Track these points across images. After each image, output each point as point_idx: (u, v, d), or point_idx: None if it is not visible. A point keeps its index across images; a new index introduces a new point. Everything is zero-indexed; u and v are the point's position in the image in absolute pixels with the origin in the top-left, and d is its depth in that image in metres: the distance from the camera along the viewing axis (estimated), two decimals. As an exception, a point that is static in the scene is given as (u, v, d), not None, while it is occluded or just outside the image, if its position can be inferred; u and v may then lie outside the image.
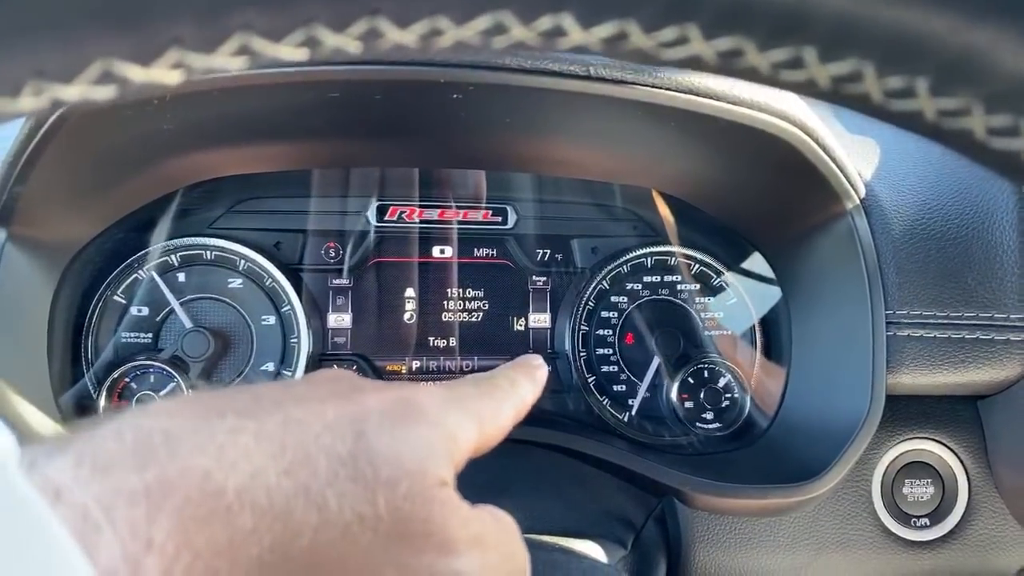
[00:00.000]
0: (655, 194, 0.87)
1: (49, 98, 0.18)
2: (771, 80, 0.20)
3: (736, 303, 0.90)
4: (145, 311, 0.82)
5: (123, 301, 0.81)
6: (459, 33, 0.19)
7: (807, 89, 0.21)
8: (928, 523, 0.77)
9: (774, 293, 0.86)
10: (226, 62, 0.19)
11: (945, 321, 0.72)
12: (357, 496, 0.28)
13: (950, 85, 0.19)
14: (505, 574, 0.35)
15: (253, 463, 0.27)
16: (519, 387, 0.41)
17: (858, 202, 0.73)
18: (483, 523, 0.34)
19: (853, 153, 0.76)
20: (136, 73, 0.18)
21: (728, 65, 0.20)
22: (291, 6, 0.18)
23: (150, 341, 0.82)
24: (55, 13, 0.16)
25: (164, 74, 0.19)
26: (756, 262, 0.87)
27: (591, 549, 0.70)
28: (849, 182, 0.71)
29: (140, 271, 0.82)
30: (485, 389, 0.39)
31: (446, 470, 0.33)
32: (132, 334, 0.81)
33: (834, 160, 0.69)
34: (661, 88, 0.60)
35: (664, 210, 0.89)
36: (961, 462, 0.78)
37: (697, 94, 0.62)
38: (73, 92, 0.18)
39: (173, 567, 0.24)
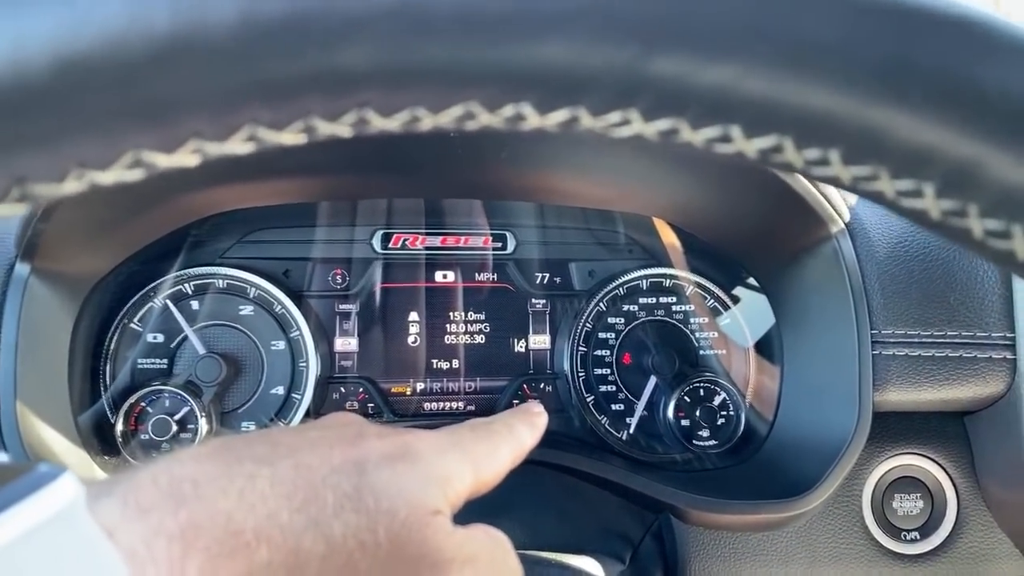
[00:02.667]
0: (653, 219, 0.90)
1: (88, 182, 0.22)
2: (707, 152, 0.24)
3: (730, 323, 0.92)
4: (160, 338, 0.85)
5: (139, 329, 0.85)
6: (435, 119, 0.22)
7: (738, 159, 0.24)
8: (918, 536, 0.80)
9: (767, 313, 0.89)
10: (236, 147, 0.22)
11: (929, 340, 0.75)
12: (360, 525, 0.32)
13: (858, 156, 0.22)
14: None
15: (268, 505, 0.31)
16: (516, 432, 0.44)
17: (843, 225, 0.76)
18: (476, 542, 0.37)
19: (838, 178, 0.79)
20: (161, 159, 0.22)
21: (667, 140, 0.23)
22: (292, 103, 0.21)
23: (165, 366, 0.85)
24: (97, 117, 0.20)
25: (184, 159, 0.22)
26: (749, 284, 0.90)
27: (589, 565, 0.73)
28: (833, 207, 0.74)
29: (155, 300, 0.85)
30: (481, 434, 0.42)
31: (442, 503, 0.36)
32: (148, 360, 0.85)
33: (817, 187, 0.72)
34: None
35: (661, 234, 0.92)
36: (949, 477, 0.81)
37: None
38: (109, 176, 0.22)
39: None
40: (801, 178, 0.71)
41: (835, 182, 0.24)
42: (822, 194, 0.73)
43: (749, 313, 0.92)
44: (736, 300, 0.93)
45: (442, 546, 0.34)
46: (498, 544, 0.39)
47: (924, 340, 0.75)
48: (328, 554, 0.31)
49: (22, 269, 0.71)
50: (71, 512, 0.26)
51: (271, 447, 0.35)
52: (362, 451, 0.36)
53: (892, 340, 0.75)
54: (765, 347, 0.90)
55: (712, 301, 0.93)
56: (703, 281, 0.93)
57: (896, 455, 0.81)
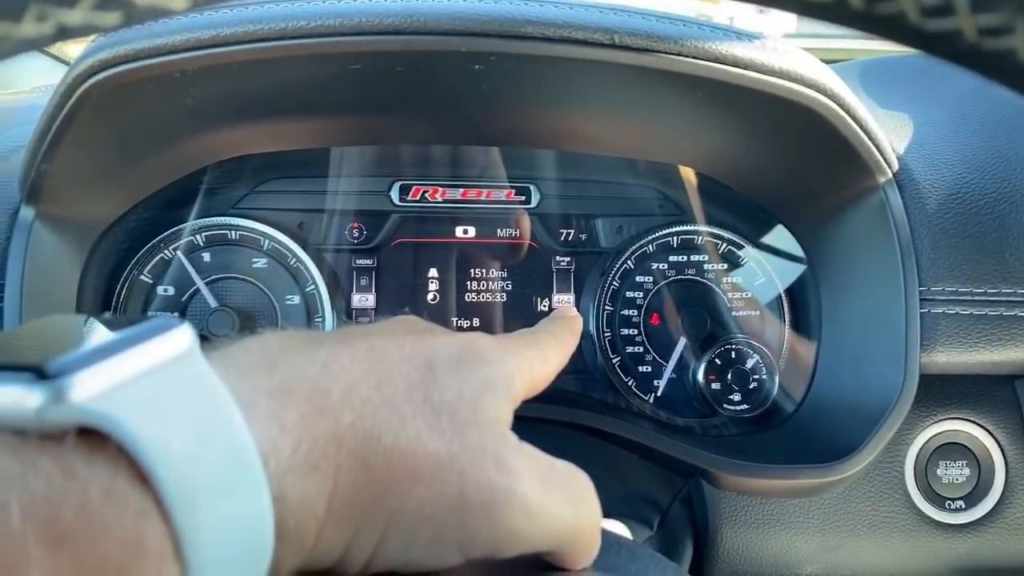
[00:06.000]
0: (682, 170, 0.85)
1: (54, 24, 0.18)
2: (800, 2, 0.19)
3: (764, 282, 0.88)
4: (171, 291, 0.82)
5: (149, 281, 0.82)
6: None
7: (837, 11, 0.20)
8: (963, 506, 0.75)
9: (805, 272, 0.84)
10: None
11: (982, 298, 0.70)
12: (426, 413, 0.35)
13: (992, -1, 0.18)
14: (571, 514, 0.37)
15: (349, 376, 0.34)
16: (560, 337, 0.47)
17: (891, 176, 0.71)
18: (538, 458, 0.37)
19: (886, 126, 0.74)
20: (140, -5, 0.18)
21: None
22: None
23: (176, 320, 0.82)
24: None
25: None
26: (783, 238, 0.85)
27: (618, 528, 0.70)
28: (882, 155, 0.69)
29: (165, 251, 0.82)
30: (531, 340, 0.45)
31: (502, 405, 0.38)
32: (158, 313, 0.82)
33: (866, 132, 0.67)
34: (686, 56, 0.59)
35: (692, 188, 0.87)
36: (998, 443, 0.76)
37: (724, 62, 0.60)
38: (77, 17, 0.18)
39: (299, 446, 0.31)
40: (850, 122, 0.66)
41: (952, 42, 0.20)
42: (871, 140, 0.68)
43: (785, 272, 0.87)
44: (771, 259, 0.88)
45: (501, 448, 0.35)
46: (577, 477, 0.39)
47: (977, 298, 0.70)
48: (401, 428, 0.33)
49: (27, 213, 0.68)
50: (191, 355, 0.29)
51: (346, 333, 0.39)
52: (430, 344, 0.38)
53: (942, 298, 0.70)
54: (802, 307, 0.86)
55: (746, 259, 0.89)
56: (736, 238, 0.89)
57: (941, 420, 0.77)
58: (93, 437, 0.26)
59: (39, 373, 0.26)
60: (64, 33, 0.19)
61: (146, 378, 0.28)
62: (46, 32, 0.18)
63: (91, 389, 0.26)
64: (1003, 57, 0.19)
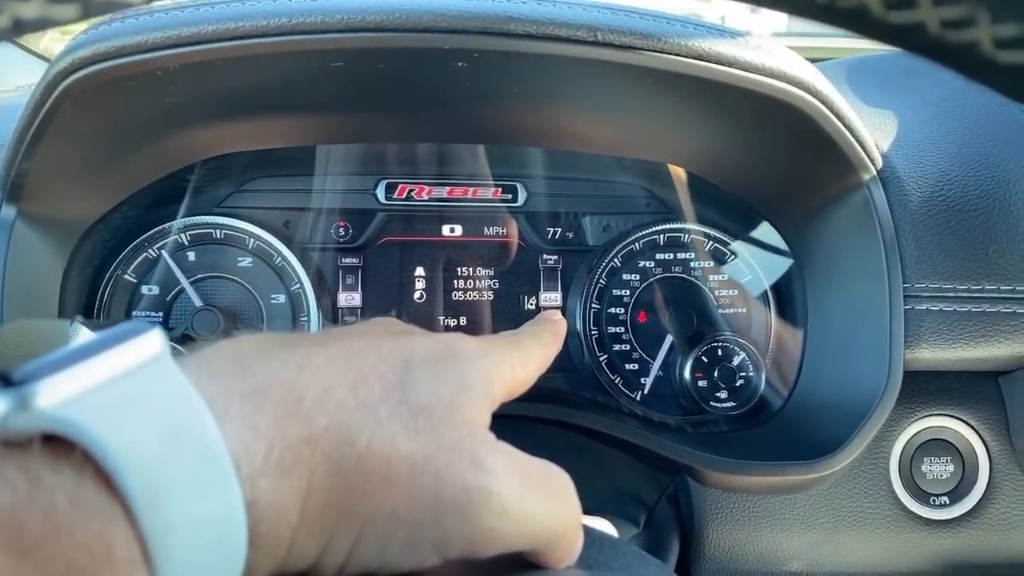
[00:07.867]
0: (669, 168, 0.85)
1: (9, 17, 0.18)
2: (764, -5, 0.19)
3: (750, 280, 0.88)
4: (156, 290, 0.82)
5: (133, 280, 0.81)
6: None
7: (802, 5, 0.19)
8: (947, 502, 0.76)
9: (788, 267, 0.85)
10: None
11: (965, 294, 0.70)
12: (402, 414, 0.34)
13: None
14: (549, 513, 0.37)
15: (324, 379, 0.34)
16: (543, 340, 0.47)
17: (875, 173, 0.71)
18: (515, 457, 0.37)
19: (870, 124, 0.74)
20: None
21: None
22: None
23: (160, 320, 0.82)
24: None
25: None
26: (769, 236, 0.86)
27: (603, 525, 0.70)
28: (866, 152, 0.69)
29: (149, 250, 0.82)
30: (512, 342, 0.44)
31: (480, 405, 0.38)
32: (143, 313, 0.81)
33: (850, 129, 0.67)
34: (669, 54, 0.59)
35: (679, 186, 0.87)
36: (982, 439, 0.77)
37: (707, 60, 0.60)
38: (32, 10, 0.18)
39: (272, 450, 0.30)
40: (834, 120, 0.66)
41: (915, 34, 0.20)
42: (854, 137, 0.68)
43: (771, 269, 0.88)
44: (757, 256, 0.88)
45: (477, 448, 0.35)
46: (556, 475, 0.39)
47: (960, 294, 0.70)
48: (376, 431, 0.33)
49: (8, 212, 0.67)
50: (162, 359, 0.29)
51: (324, 334, 0.38)
52: (408, 345, 0.38)
53: (926, 294, 0.70)
54: (788, 304, 0.86)
55: (732, 257, 0.89)
56: (723, 236, 0.89)
57: (926, 416, 0.77)
58: (59, 444, 0.26)
59: (5, 380, 0.26)
60: (20, 26, 0.18)
61: (114, 383, 0.27)
62: (2, 25, 0.18)
63: (57, 395, 0.26)
64: (967, 49, 0.19)
